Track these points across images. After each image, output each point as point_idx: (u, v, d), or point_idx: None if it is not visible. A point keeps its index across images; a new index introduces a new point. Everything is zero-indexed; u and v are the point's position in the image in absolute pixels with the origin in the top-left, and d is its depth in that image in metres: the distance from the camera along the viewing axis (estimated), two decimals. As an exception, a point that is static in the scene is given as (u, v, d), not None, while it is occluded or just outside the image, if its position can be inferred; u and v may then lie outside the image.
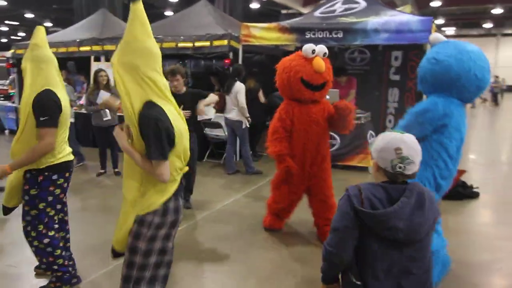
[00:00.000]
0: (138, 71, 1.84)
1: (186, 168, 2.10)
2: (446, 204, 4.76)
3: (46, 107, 2.48)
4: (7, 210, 2.74)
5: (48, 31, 24.50)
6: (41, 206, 2.58)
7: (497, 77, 21.12)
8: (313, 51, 3.47)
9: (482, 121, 14.84)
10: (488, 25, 28.20)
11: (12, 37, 29.70)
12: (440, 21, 23.98)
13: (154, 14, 23.60)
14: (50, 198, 2.60)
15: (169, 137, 1.85)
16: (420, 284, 1.59)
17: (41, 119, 2.44)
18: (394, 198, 1.54)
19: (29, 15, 22.32)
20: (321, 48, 3.51)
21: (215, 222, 4.19)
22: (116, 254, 2.19)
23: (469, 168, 5.51)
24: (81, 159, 6.36)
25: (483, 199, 4.97)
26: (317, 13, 6.46)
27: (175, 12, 21.93)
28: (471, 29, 30.59)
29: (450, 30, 29.26)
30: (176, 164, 1.97)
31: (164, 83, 1.95)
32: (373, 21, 5.45)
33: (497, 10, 22.25)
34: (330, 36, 5.73)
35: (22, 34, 29.23)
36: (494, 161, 7.58)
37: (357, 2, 6.16)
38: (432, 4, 20.31)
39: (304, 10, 21.69)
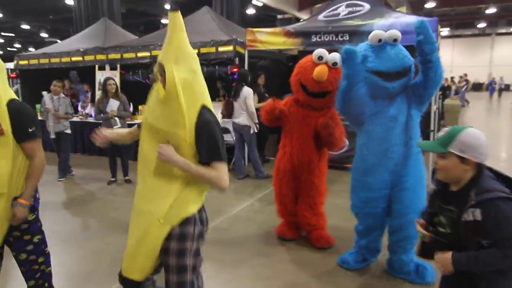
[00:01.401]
0: (195, 76, 1.81)
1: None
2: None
3: (32, 116, 2.15)
4: None
5: (45, 42, 24.33)
6: (40, 227, 2.35)
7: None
8: (320, 58, 3.35)
9: (482, 120, 14.98)
10: (482, 24, 28.54)
11: (8, 48, 29.65)
12: (434, 22, 24.27)
13: (150, 22, 23.72)
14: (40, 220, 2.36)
15: (223, 142, 1.84)
16: None
17: (30, 130, 2.11)
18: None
19: (25, 26, 22.34)
20: (332, 57, 3.33)
21: (232, 226, 4.20)
22: (131, 286, 1.91)
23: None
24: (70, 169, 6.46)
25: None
26: (320, 17, 6.51)
27: (171, 19, 22.04)
28: (465, 29, 30.94)
29: (445, 31, 29.55)
30: None
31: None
32: (378, 23, 5.50)
33: (491, 10, 22.55)
34: (336, 39, 5.78)
35: (18, 45, 29.20)
36: (493, 158, 7.65)
37: (360, 5, 6.22)
38: (427, 5, 20.57)
39: (300, 15, 21.90)
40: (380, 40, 2.82)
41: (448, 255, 1.57)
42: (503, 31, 31.41)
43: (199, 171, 1.76)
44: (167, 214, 1.79)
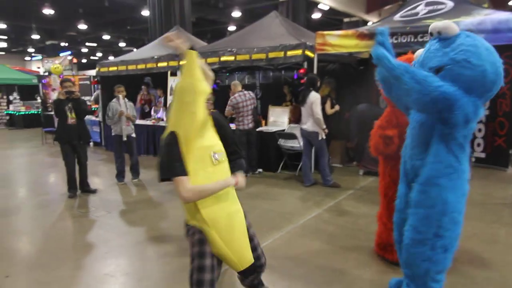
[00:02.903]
0: None
1: None
2: None
3: None
4: None
5: (123, 51, 26.12)
6: None
7: None
8: None
9: None
10: None
11: (91, 57, 32.39)
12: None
13: (218, 30, 24.42)
14: None
15: None
16: None
17: None
18: None
19: (105, 37, 24.19)
20: None
21: (301, 237, 4.02)
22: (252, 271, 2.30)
23: None
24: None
25: None
26: (397, 17, 6.12)
27: (238, 27, 22.50)
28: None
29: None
30: None
31: None
32: (465, 22, 5.00)
33: None
34: (415, 40, 5.37)
35: (99, 54, 31.77)
36: None
37: (443, 3, 5.73)
38: (511, 2, 18.69)
39: (367, 17, 21.08)
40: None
41: None
42: None
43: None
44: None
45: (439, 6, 5.71)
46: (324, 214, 4.73)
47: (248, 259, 2.21)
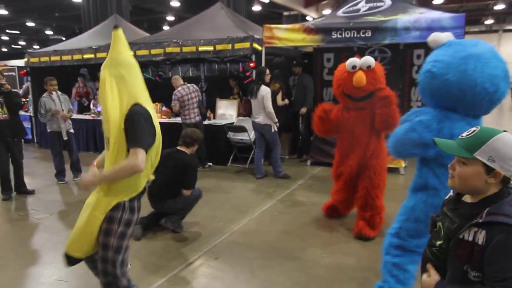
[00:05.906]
0: (124, 79, 2.10)
1: (152, 177, 2.27)
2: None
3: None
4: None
5: (50, 39, 24.05)
6: None
7: None
8: (354, 67, 3.57)
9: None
10: (489, 21, 28.26)
11: (13, 46, 29.56)
12: (442, 18, 24.01)
13: (154, 20, 23.53)
14: None
15: (150, 133, 2.06)
16: None
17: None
18: None
19: (30, 24, 22.22)
20: (365, 61, 3.55)
21: (259, 228, 4.07)
22: (73, 262, 2.21)
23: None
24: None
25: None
26: (340, 13, 6.36)
27: (177, 17, 21.88)
28: (472, 26, 30.64)
29: (451, 28, 29.18)
30: (148, 162, 2.10)
31: (145, 88, 2.20)
32: (402, 19, 5.36)
33: (499, 6, 22.30)
34: (358, 35, 5.63)
35: (22, 43, 29.09)
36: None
37: (381, 1, 6.07)
38: (435, 1, 20.33)
39: (306, 12, 21.67)
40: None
41: (433, 280, 1.38)
42: (511, 27, 31.08)
43: (112, 174, 2.03)
44: (100, 204, 2.09)
45: (379, 4, 6.04)
46: (278, 204, 4.84)
47: (67, 249, 2.19)
